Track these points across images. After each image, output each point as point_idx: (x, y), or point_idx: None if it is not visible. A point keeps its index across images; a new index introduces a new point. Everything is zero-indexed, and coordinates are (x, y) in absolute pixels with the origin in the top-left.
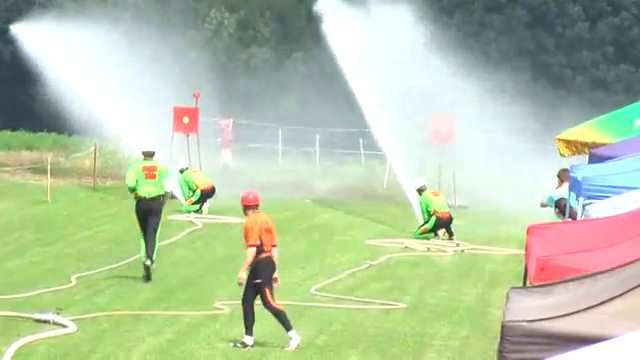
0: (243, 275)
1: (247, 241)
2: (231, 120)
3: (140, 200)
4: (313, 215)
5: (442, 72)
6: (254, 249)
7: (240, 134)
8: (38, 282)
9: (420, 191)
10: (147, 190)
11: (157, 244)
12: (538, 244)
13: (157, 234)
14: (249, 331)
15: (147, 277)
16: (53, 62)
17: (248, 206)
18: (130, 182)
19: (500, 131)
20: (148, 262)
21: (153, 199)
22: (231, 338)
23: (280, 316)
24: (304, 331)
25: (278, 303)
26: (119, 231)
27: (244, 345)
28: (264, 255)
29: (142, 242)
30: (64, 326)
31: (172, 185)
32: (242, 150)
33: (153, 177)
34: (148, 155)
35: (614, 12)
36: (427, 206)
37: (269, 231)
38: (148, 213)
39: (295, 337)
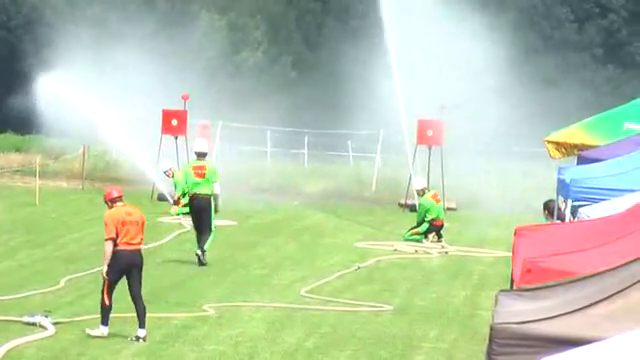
0: (105, 268)
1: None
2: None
3: (190, 198)
4: (302, 217)
5: (430, 73)
6: (109, 242)
7: (229, 136)
8: (27, 284)
9: (421, 193)
10: (195, 188)
11: (210, 237)
12: (525, 246)
13: (211, 229)
14: (140, 325)
15: (200, 263)
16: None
17: (112, 199)
18: (180, 181)
19: (488, 133)
20: (198, 252)
21: (203, 197)
22: (220, 340)
23: (103, 310)
24: (293, 333)
25: (109, 298)
26: None
27: (137, 338)
28: (116, 248)
29: (196, 234)
30: (45, 329)
31: (219, 189)
32: (231, 152)
33: (202, 176)
34: (200, 155)
35: (602, 14)
36: (427, 211)
37: (129, 224)
38: (200, 211)
39: (104, 332)
